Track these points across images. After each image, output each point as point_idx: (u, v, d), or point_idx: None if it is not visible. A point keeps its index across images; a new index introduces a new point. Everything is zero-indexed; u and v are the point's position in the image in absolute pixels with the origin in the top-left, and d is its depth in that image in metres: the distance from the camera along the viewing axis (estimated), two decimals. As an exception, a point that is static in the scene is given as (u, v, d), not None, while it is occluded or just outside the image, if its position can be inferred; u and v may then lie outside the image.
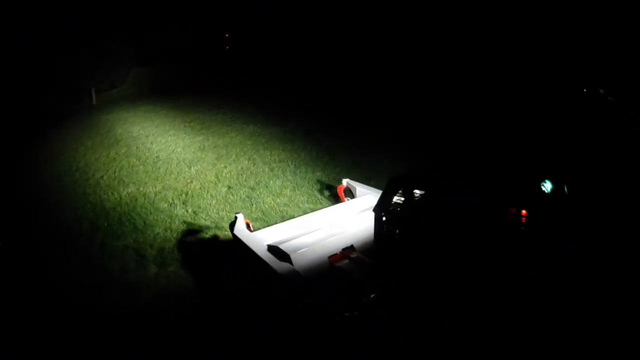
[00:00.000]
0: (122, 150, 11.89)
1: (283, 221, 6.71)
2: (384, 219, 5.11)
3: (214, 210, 8.07)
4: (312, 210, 7.77)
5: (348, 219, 5.89)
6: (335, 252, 5.20)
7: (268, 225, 6.90)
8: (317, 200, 8.24)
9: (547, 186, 4.64)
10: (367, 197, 6.61)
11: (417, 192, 4.87)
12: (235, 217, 6.05)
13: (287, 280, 4.73)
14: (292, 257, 4.88)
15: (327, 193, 8.28)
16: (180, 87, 20.71)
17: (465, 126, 11.88)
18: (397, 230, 5.03)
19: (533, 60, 14.65)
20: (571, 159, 8.91)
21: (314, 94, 17.62)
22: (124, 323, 5.53)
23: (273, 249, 5.15)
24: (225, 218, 7.67)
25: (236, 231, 5.74)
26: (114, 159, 11.30)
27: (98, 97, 18.99)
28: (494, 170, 5.82)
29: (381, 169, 9.25)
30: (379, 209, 5.17)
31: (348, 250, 5.28)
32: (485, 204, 4.44)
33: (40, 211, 8.96)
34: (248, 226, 6.14)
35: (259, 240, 5.45)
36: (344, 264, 5.09)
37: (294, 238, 5.41)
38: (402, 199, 4.97)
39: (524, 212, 4.34)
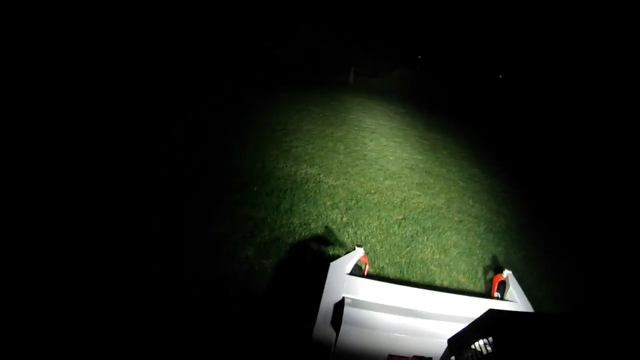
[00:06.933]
0: (339, 133, 11.86)
1: (410, 284, 5.59)
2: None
3: (367, 232, 7.37)
4: (459, 285, 6.60)
5: (463, 322, 4.18)
6: (404, 355, 3.69)
7: (395, 281, 5.88)
8: (473, 278, 6.89)
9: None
10: (508, 306, 4.88)
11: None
12: (354, 248, 5.16)
13: (313, 347, 3.59)
14: (343, 329, 3.62)
15: (490, 275, 6.84)
16: (440, 102, 20.19)
17: None
18: None
19: None
20: None
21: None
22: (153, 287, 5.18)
23: (339, 305, 4.00)
24: (369, 246, 6.83)
25: (335, 262, 4.75)
26: (324, 137, 11.30)
27: (356, 79, 19.64)
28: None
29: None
30: (454, 345, 3.63)
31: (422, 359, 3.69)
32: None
33: (223, 150, 9.47)
34: (361, 266, 5.21)
35: (343, 286, 4.29)
36: None
37: (382, 310, 4.07)
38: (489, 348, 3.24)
39: None
